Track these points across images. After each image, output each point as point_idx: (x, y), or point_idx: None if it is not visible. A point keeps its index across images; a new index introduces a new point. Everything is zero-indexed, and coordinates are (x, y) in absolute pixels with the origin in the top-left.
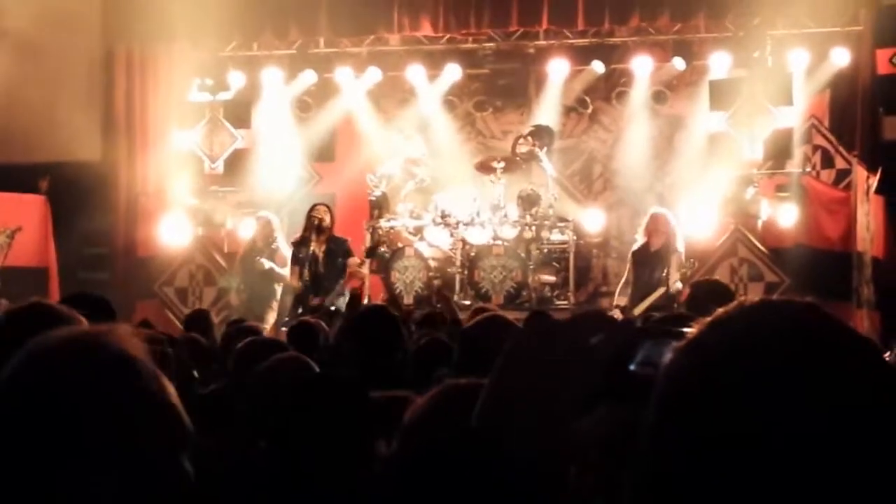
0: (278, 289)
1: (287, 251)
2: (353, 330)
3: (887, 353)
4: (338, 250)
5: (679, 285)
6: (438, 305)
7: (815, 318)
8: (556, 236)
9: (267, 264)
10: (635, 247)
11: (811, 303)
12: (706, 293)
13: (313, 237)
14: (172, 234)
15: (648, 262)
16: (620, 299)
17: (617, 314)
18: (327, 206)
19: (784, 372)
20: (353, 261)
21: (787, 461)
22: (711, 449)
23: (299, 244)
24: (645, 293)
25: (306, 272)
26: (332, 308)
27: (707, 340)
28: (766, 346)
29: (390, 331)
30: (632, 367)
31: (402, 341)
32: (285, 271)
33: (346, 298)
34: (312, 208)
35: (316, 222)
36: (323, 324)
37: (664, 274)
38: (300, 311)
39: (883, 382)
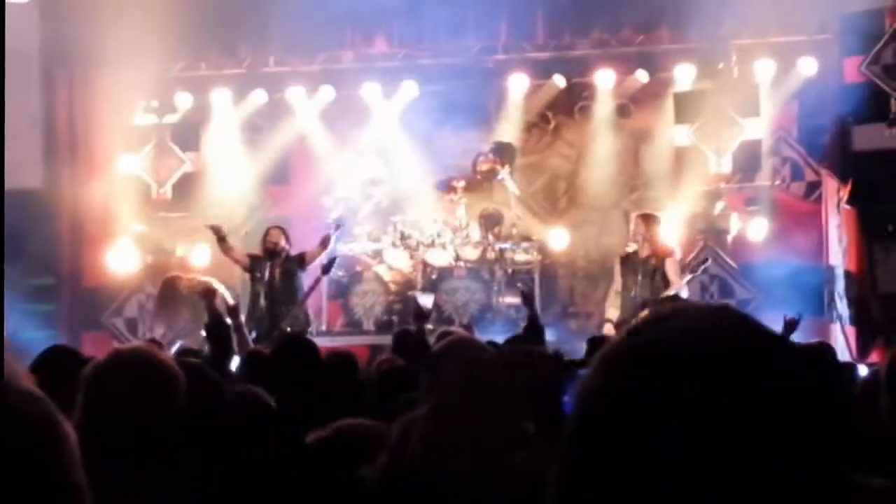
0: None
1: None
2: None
3: (863, 367)
4: (293, 268)
5: (685, 292)
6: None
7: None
8: (520, 256)
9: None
10: (623, 253)
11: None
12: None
13: (267, 261)
14: (120, 262)
15: (636, 270)
16: (612, 312)
17: (609, 329)
18: (281, 229)
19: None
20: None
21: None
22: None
23: (257, 259)
24: (635, 302)
25: (262, 296)
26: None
27: (616, 354)
28: (674, 355)
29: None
30: (563, 401)
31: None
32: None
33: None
34: (267, 232)
35: (270, 246)
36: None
37: (656, 280)
38: (254, 336)
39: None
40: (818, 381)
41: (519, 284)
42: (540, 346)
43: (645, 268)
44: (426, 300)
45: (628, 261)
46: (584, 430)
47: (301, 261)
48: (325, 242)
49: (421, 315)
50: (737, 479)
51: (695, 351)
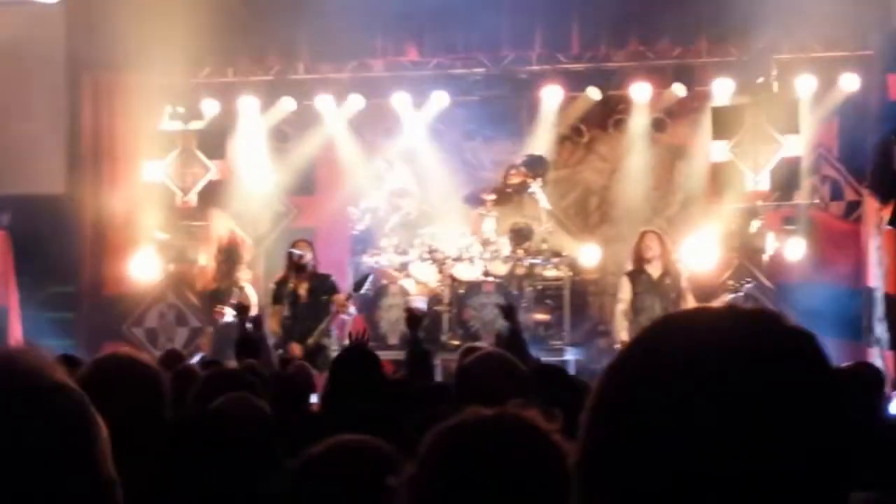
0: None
1: (252, 292)
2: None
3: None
4: (321, 287)
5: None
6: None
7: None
8: (550, 272)
9: (229, 315)
10: (629, 268)
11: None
12: None
13: (293, 276)
14: (142, 270)
15: (651, 289)
16: (624, 334)
17: None
18: (308, 242)
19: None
20: (339, 297)
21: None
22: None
23: (281, 283)
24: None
25: (287, 313)
26: (316, 346)
27: (631, 358)
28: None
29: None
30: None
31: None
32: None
33: (333, 338)
34: (293, 244)
35: (296, 259)
36: (307, 365)
37: (672, 299)
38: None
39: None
40: (831, 385)
41: (498, 300)
42: (521, 358)
43: (660, 287)
44: (420, 303)
45: (640, 279)
46: (593, 422)
47: (329, 288)
48: (357, 287)
49: (414, 319)
50: (734, 481)
51: (706, 348)
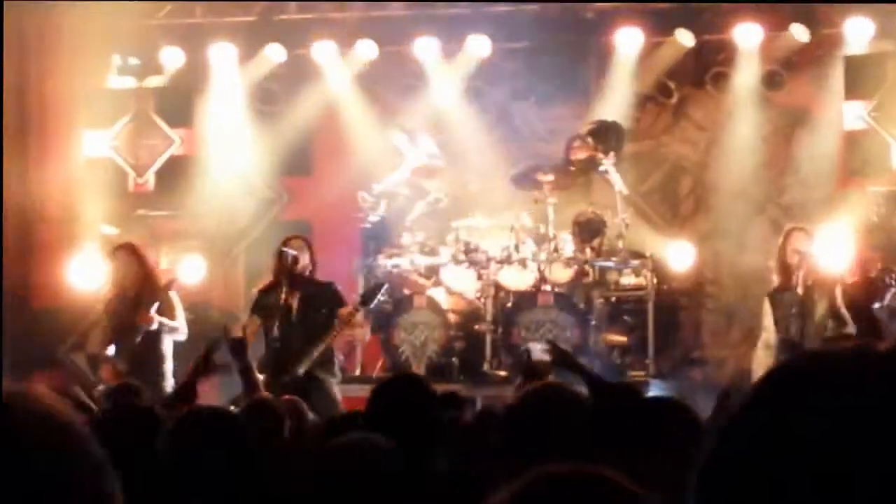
0: (167, 349)
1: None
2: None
3: None
4: (320, 298)
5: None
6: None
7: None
8: (627, 279)
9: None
10: (773, 285)
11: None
12: None
13: (285, 284)
14: (83, 277)
15: (799, 311)
16: (761, 371)
17: None
18: (304, 240)
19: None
20: (344, 311)
21: None
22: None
23: (267, 293)
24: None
25: (276, 333)
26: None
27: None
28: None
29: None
30: None
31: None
32: (176, 322)
33: (336, 367)
34: (284, 243)
35: (289, 262)
36: (299, 401)
37: (823, 318)
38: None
39: None
40: None
41: (547, 339)
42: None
43: (806, 305)
44: (540, 352)
45: (783, 299)
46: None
47: (330, 300)
48: (366, 300)
49: (533, 372)
50: None
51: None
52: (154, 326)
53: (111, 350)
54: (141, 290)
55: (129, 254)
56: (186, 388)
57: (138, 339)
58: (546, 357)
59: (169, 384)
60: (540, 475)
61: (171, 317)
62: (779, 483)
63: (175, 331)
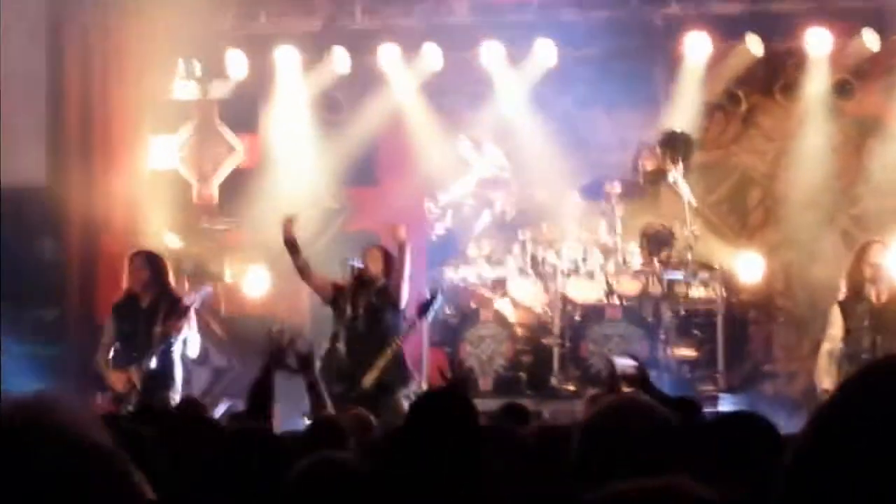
0: (178, 360)
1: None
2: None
3: None
4: (386, 308)
5: None
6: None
7: None
8: (697, 291)
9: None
10: (842, 295)
11: None
12: None
13: (349, 292)
14: None
15: (874, 323)
16: (827, 380)
17: None
18: (381, 250)
19: None
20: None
21: None
22: None
23: (341, 291)
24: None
25: (340, 339)
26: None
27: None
28: None
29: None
30: None
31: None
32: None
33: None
34: (361, 253)
35: (368, 274)
36: (366, 415)
37: None
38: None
39: None
40: None
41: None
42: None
43: (882, 318)
44: (627, 364)
45: (856, 310)
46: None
47: (389, 297)
48: (422, 311)
49: (616, 383)
50: None
51: None
52: (178, 338)
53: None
54: (156, 300)
55: (145, 262)
56: (261, 387)
57: (155, 349)
58: (631, 371)
59: (178, 396)
60: (630, 487)
61: (184, 329)
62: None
63: (187, 345)
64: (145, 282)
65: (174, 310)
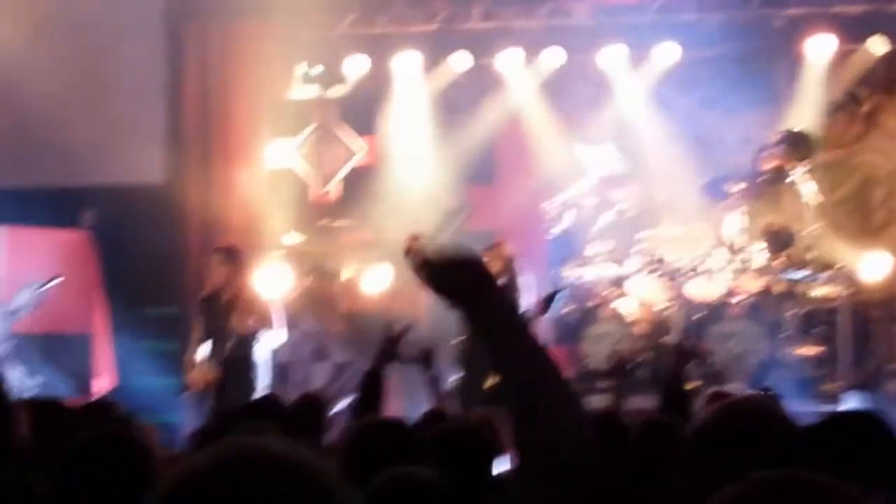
0: (257, 357)
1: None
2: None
3: None
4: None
5: None
6: None
7: None
8: (819, 290)
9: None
10: None
11: None
12: None
13: None
14: (267, 287)
15: None
16: None
17: None
18: (498, 249)
19: None
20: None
21: None
22: None
23: None
24: None
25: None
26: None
27: None
28: None
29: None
30: None
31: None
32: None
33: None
34: (493, 247)
35: (497, 270)
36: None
37: None
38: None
39: None
40: None
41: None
42: None
43: None
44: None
45: None
46: None
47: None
48: (544, 306)
49: (684, 356)
50: None
51: None
52: (248, 333)
53: (201, 354)
54: (234, 295)
55: (226, 257)
56: (372, 380)
57: (229, 345)
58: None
59: (256, 392)
60: (758, 480)
61: (263, 326)
62: None
63: (268, 339)
64: (224, 277)
65: (247, 306)
